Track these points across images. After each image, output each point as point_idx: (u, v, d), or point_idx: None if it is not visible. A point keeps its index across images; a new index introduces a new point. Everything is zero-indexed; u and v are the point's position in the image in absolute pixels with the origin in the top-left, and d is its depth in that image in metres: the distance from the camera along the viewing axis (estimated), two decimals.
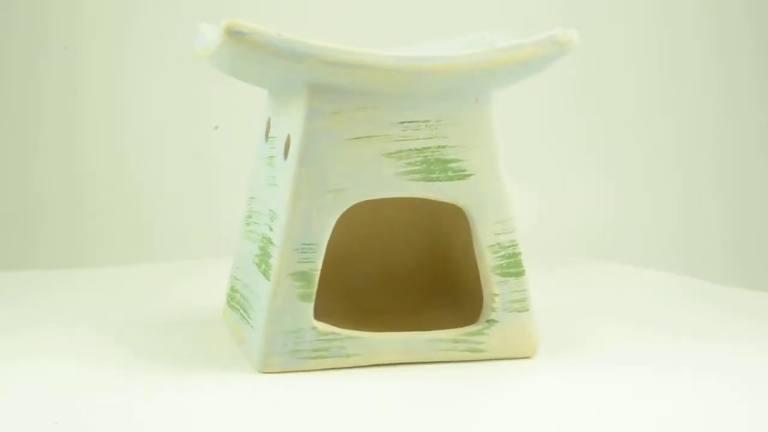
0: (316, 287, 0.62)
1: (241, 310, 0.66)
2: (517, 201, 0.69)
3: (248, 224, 0.69)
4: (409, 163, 0.62)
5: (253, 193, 0.69)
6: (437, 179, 0.62)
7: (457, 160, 0.63)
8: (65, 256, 1.12)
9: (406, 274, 0.75)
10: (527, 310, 0.64)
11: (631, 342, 0.70)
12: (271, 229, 0.63)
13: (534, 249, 0.71)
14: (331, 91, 0.61)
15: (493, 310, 0.64)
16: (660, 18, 1.17)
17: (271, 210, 0.64)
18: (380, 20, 1.11)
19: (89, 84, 1.20)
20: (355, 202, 0.62)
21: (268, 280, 0.62)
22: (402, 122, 0.62)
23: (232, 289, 0.71)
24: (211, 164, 1.19)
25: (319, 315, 0.65)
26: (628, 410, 0.55)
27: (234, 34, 0.58)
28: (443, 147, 0.62)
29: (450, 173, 0.63)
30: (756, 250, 1.14)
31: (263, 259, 0.63)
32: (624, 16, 1.17)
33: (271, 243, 0.62)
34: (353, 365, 0.63)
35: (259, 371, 0.61)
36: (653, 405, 0.56)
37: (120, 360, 0.64)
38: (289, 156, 0.62)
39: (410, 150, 0.62)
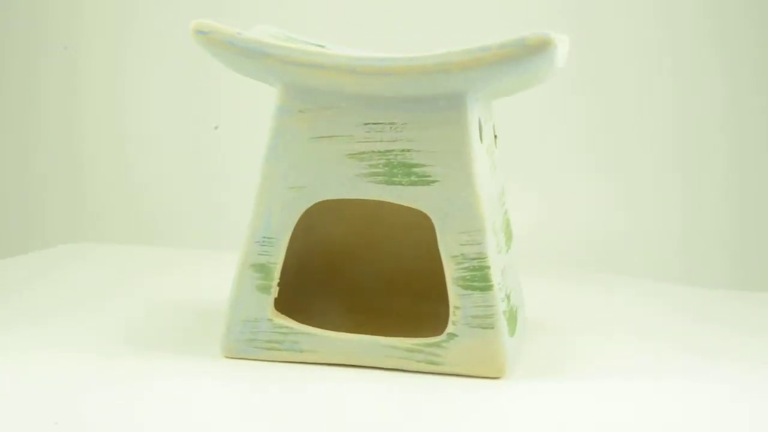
0: (275, 280, 0.63)
1: None
2: (517, 204, 0.66)
3: None
4: (372, 165, 0.61)
5: None
6: (399, 183, 0.61)
7: (422, 165, 0.61)
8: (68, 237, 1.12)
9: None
10: (492, 328, 0.61)
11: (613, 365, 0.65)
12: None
13: (533, 254, 0.69)
14: (299, 90, 0.62)
15: (453, 323, 0.61)
16: (663, 19, 1.14)
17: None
18: (380, 20, 1.10)
19: (90, 78, 1.21)
20: (316, 201, 0.62)
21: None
22: (366, 123, 0.61)
23: None
24: (213, 157, 1.19)
25: (316, 312, 0.66)
26: None
27: (197, 33, 0.61)
28: (407, 151, 0.61)
29: (413, 178, 0.61)
30: (759, 255, 1.10)
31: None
32: (626, 16, 1.14)
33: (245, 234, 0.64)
34: (306, 361, 0.63)
35: (223, 356, 0.64)
36: None
37: (120, 354, 0.65)
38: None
39: (373, 152, 0.61)
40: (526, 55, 0.58)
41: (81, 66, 1.21)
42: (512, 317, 0.64)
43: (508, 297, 0.63)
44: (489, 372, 0.61)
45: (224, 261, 0.77)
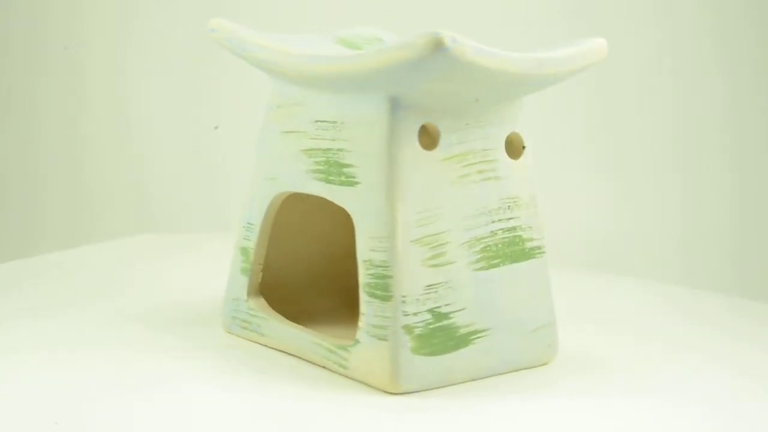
0: (254, 264, 0.67)
1: None
2: None
3: None
4: (317, 162, 0.62)
5: None
6: (333, 182, 0.61)
7: (350, 166, 0.60)
8: (65, 239, 1.13)
9: None
10: (386, 340, 0.58)
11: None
12: None
13: None
14: (278, 86, 0.65)
15: (359, 329, 0.59)
16: (662, 18, 1.12)
17: None
18: (381, 19, 0.93)
19: (91, 78, 1.21)
20: (281, 191, 0.65)
21: None
22: (316, 121, 0.62)
23: None
24: (214, 157, 1.18)
25: (319, 307, 0.69)
26: None
27: (210, 31, 0.67)
28: (342, 150, 0.61)
29: (343, 177, 0.60)
30: (759, 256, 1.09)
31: None
32: (626, 16, 1.12)
33: None
34: (267, 345, 0.66)
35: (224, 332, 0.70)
36: None
37: (121, 352, 0.66)
38: None
39: (318, 149, 0.62)
40: (418, 55, 0.54)
41: (82, 66, 1.21)
42: (447, 335, 0.60)
43: (434, 312, 0.59)
44: (381, 384, 0.59)
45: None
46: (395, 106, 0.58)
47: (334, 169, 0.61)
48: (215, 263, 0.86)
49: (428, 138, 0.60)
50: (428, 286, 0.59)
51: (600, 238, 1.11)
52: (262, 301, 0.68)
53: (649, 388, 0.62)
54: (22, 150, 1.25)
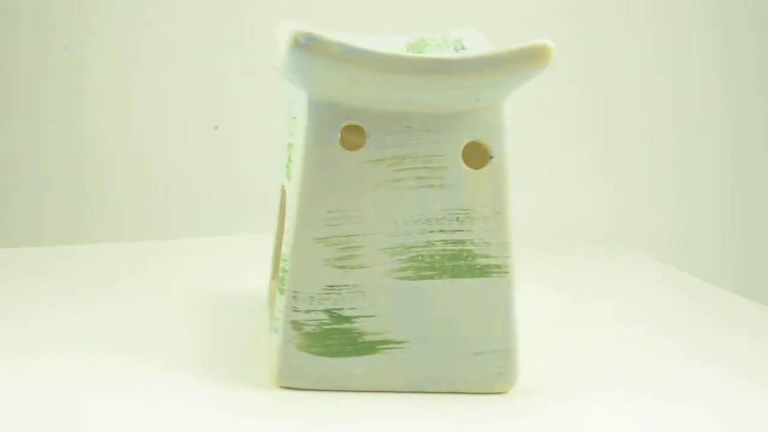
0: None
1: None
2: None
3: None
4: (286, 158, 0.64)
5: None
6: (287, 177, 0.62)
7: (291, 161, 0.61)
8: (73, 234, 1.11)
9: None
10: (276, 332, 0.58)
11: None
12: None
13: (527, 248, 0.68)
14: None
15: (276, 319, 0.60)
16: (660, 15, 1.15)
17: None
18: (379, 18, 1.07)
19: (93, 77, 1.18)
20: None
21: None
22: (292, 117, 0.64)
23: None
24: (214, 156, 1.14)
25: None
26: None
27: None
28: (291, 146, 0.62)
29: (287, 172, 0.62)
30: (758, 251, 1.12)
31: None
32: (625, 16, 1.15)
33: None
34: None
35: None
36: None
37: (121, 351, 0.65)
38: None
39: (286, 145, 0.64)
40: (285, 52, 0.55)
41: (84, 65, 1.19)
42: (346, 339, 0.58)
43: (332, 313, 0.58)
44: (270, 376, 0.59)
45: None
46: (313, 104, 0.59)
47: (288, 164, 0.63)
48: (217, 266, 0.90)
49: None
50: (330, 286, 0.59)
51: (597, 237, 1.12)
52: None
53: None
54: (22, 149, 1.24)
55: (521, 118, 1.18)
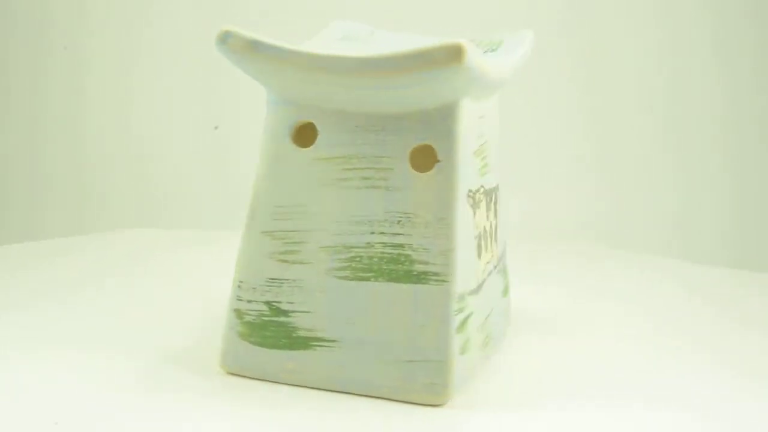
0: None
1: None
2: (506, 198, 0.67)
3: None
4: None
5: None
6: None
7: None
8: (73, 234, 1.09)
9: None
10: (225, 320, 0.60)
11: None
12: None
13: (522, 248, 0.70)
14: None
15: None
16: (655, 13, 1.15)
17: None
18: (378, 17, 0.92)
19: (94, 77, 1.17)
20: None
21: None
22: None
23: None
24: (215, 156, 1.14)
25: None
26: None
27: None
28: None
29: None
30: (757, 253, 1.12)
31: None
32: (620, 13, 1.14)
33: None
34: None
35: None
36: None
37: (121, 351, 0.66)
38: None
39: None
40: (219, 52, 0.57)
41: (84, 65, 1.20)
42: (282, 332, 0.59)
43: (271, 305, 0.59)
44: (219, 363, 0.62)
45: None
46: (270, 100, 0.60)
47: None
48: (216, 260, 0.87)
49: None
50: (271, 278, 0.60)
51: (594, 234, 1.12)
52: None
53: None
54: (22, 149, 1.24)
55: (519, 118, 1.13)
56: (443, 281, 0.57)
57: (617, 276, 0.91)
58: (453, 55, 0.53)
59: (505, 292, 0.70)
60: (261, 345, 0.61)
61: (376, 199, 0.59)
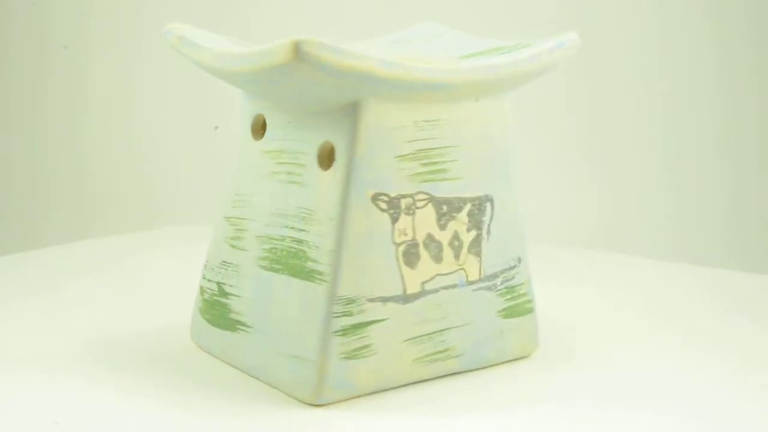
0: None
1: None
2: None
3: None
4: None
5: None
6: None
7: None
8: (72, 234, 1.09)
9: None
10: None
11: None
12: None
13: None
14: None
15: None
16: (654, 15, 1.16)
17: None
18: (377, 17, 1.08)
19: (94, 77, 1.18)
20: None
21: None
22: None
23: None
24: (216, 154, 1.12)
25: None
26: None
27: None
28: None
29: None
30: (756, 252, 1.13)
31: None
32: (618, 15, 1.15)
33: None
34: None
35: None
36: None
37: (121, 351, 0.66)
38: None
39: None
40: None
41: (84, 65, 1.20)
42: (221, 313, 0.63)
43: (220, 286, 0.64)
44: None
45: None
46: (241, 94, 0.64)
47: None
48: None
49: None
50: (223, 261, 0.64)
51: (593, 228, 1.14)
52: None
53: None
54: (22, 149, 1.22)
55: (518, 119, 1.17)
56: (324, 281, 0.57)
57: (617, 278, 0.89)
58: (287, 52, 0.53)
59: (511, 312, 0.65)
60: (210, 322, 0.65)
61: (292, 194, 0.60)
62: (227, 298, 0.64)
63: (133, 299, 0.78)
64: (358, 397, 0.59)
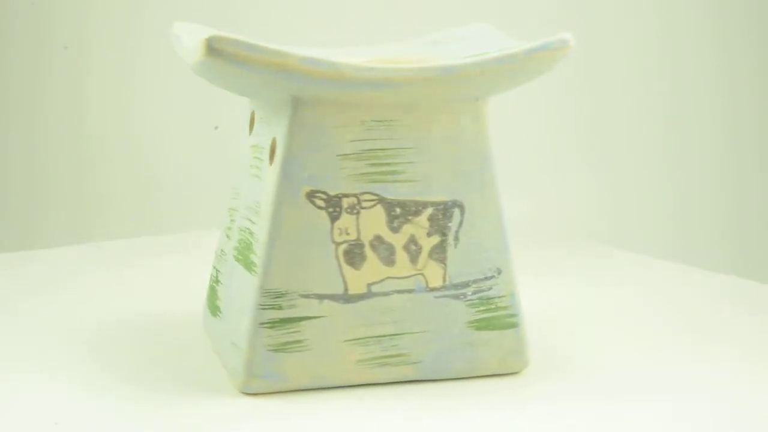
0: None
1: None
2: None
3: None
4: None
5: None
6: None
7: None
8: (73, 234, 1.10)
9: None
10: None
11: None
12: None
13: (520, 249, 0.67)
14: None
15: None
16: (654, 13, 1.16)
17: None
18: (376, 16, 1.07)
19: (95, 77, 1.18)
20: None
21: None
22: None
23: None
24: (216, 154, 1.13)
25: None
26: None
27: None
28: None
29: None
30: (755, 252, 1.12)
31: None
32: (618, 13, 1.15)
33: None
34: None
35: None
36: None
37: (121, 351, 0.66)
38: None
39: None
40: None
41: (84, 65, 1.20)
42: (212, 299, 0.66)
43: (216, 273, 0.66)
44: None
45: None
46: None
47: None
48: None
49: None
50: (221, 250, 0.67)
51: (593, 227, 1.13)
52: None
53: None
54: (22, 149, 1.22)
55: (517, 119, 1.11)
56: (254, 272, 0.58)
57: (617, 277, 0.90)
58: (201, 48, 0.55)
59: (485, 325, 0.61)
60: (207, 308, 0.69)
61: (255, 188, 0.62)
62: (219, 285, 0.67)
63: (133, 299, 0.79)
64: (296, 391, 0.59)
